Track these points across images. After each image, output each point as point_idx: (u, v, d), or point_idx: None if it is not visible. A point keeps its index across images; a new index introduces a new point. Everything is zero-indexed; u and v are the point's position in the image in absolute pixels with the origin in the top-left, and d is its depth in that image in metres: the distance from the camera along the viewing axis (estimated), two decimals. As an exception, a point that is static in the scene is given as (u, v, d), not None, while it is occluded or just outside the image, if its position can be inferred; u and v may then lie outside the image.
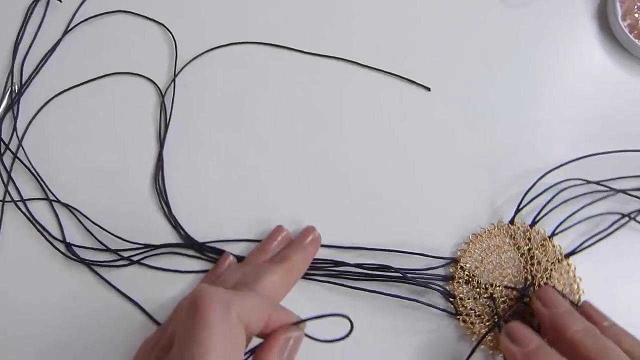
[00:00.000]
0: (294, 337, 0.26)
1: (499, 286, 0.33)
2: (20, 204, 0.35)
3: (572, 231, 0.34)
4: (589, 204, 0.34)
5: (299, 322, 0.27)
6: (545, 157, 0.36)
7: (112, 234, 0.34)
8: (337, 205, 0.35)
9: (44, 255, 0.34)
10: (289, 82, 0.38)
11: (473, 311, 0.33)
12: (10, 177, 0.35)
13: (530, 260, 0.33)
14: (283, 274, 0.31)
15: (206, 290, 0.24)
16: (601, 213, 0.34)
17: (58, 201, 0.35)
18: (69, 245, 0.34)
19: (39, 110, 0.37)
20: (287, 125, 0.37)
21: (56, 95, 0.38)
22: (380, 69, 0.38)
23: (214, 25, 0.39)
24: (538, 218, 0.34)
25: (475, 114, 0.37)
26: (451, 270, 0.34)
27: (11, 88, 0.37)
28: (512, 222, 0.34)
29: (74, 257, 0.34)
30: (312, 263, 0.33)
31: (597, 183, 0.34)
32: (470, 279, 0.33)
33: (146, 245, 0.34)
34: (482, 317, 0.33)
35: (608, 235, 0.34)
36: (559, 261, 0.33)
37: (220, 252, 0.34)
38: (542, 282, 0.33)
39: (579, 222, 0.34)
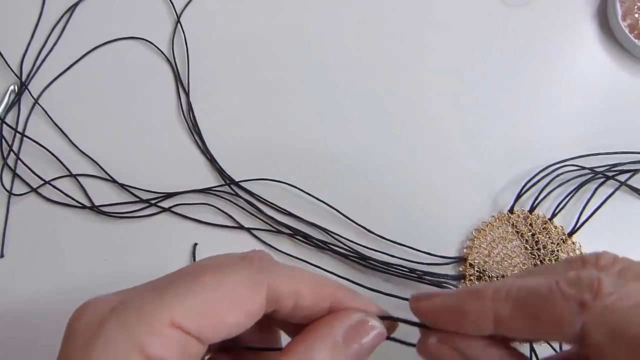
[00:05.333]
0: (374, 328, 0.19)
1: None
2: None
3: (570, 211, 0.34)
4: (583, 185, 0.35)
5: (386, 319, 0.20)
6: (544, 154, 0.36)
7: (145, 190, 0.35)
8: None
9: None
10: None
11: (490, 306, 0.33)
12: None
13: (536, 245, 0.33)
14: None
15: None
16: (596, 188, 0.35)
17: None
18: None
19: (42, 91, 0.38)
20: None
21: (58, 76, 0.38)
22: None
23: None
24: (536, 203, 0.34)
25: (473, 114, 0.38)
26: (460, 269, 0.34)
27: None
28: (511, 211, 0.34)
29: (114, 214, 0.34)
30: (338, 247, 0.34)
31: (591, 170, 0.35)
32: (482, 274, 0.33)
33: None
34: (500, 310, 0.32)
35: (602, 205, 0.34)
36: (563, 241, 0.33)
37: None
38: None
39: (573, 201, 0.34)
